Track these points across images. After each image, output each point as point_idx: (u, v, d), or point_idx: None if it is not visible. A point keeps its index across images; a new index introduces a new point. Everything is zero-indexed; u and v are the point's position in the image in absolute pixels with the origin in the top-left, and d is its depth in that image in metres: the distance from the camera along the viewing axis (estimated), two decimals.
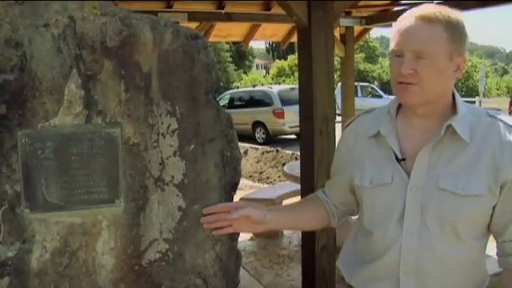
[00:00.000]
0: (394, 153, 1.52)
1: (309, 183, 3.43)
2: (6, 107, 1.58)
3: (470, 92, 34.15)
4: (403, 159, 1.51)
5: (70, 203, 1.68)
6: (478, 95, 25.60)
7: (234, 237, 1.87)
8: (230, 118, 1.85)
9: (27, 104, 1.61)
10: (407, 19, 1.44)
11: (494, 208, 1.47)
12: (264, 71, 56.74)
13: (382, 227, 1.54)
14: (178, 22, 5.69)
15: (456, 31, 1.43)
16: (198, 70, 1.77)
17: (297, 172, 3.99)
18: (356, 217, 1.81)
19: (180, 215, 1.79)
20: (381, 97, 23.57)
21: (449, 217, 1.45)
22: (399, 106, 1.59)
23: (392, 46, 1.47)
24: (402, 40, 1.43)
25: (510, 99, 21.70)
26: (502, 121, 1.47)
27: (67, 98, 1.65)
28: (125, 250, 1.74)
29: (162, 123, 1.74)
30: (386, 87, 35.79)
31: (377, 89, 26.33)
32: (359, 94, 21.67)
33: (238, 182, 1.87)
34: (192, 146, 1.78)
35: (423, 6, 1.46)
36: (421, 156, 1.48)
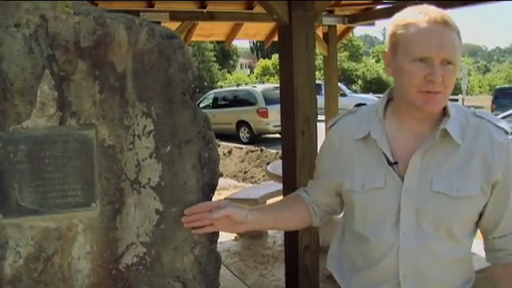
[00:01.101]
0: (386, 156, 1.51)
1: (291, 183, 3.42)
2: None
3: (454, 90, 34.33)
4: (395, 162, 1.50)
5: (45, 207, 1.64)
6: (461, 93, 25.80)
7: (213, 239, 1.85)
8: (207, 119, 1.82)
9: None
10: (426, 22, 1.39)
11: (484, 206, 1.49)
12: (248, 70, 56.70)
13: (376, 232, 1.53)
14: (159, 22, 5.66)
15: (461, 37, 1.44)
16: (174, 70, 1.74)
17: (280, 171, 3.97)
18: (339, 215, 1.79)
19: (157, 218, 1.75)
20: (345, 95, 23.55)
21: (444, 218, 1.46)
22: (385, 107, 1.57)
23: (416, 50, 1.39)
24: (432, 46, 1.38)
25: (492, 97, 21.91)
26: (490, 121, 1.49)
27: (40, 100, 1.61)
28: (101, 254, 1.71)
29: (138, 124, 1.71)
30: (371, 86, 36.03)
31: (342, 87, 26.28)
32: (322, 92, 21.68)
33: (217, 183, 1.84)
34: (168, 148, 1.75)
35: (429, 7, 1.43)
36: (414, 159, 1.47)
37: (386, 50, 1.53)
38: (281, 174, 3.86)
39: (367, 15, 7.34)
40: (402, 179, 1.49)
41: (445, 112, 1.49)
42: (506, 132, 1.48)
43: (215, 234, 1.85)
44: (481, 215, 1.52)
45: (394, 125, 1.54)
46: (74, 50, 1.64)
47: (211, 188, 1.83)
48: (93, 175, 1.67)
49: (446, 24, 1.39)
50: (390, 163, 1.50)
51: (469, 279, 1.59)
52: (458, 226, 1.48)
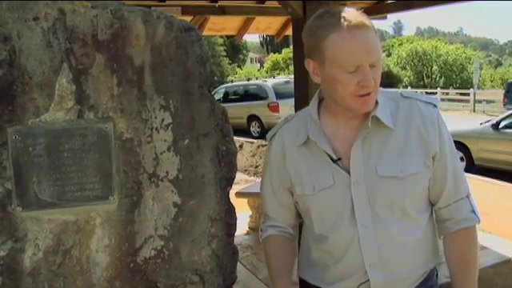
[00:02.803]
0: (329, 155, 1.52)
1: None
2: None
3: (465, 84, 34.19)
4: (339, 159, 1.53)
5: (63, 200, 1.64)
6: (473, 87, 25.62)
7: (230, 232, 1.85)
8: (225, 112, 1.82)
9: (17, 100, 1.57)
10: (347, 29, 1.42)
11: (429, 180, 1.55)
12: (258, 65, 56.68)
13: (335, 229, 1.55)
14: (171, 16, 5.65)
15: (376, 31, 1.49)
16: (192, 63, 1.74)
17: None
18: None
19: (175, 211, 1.75)
20: None
21: (396, 200, 1.51)
22: (318, 108, 1.60)
23: (347, 61, 1.42)
24: (360, 54, 1.42)
25: (503, 91, 21.75)
26: (417, 99, 1.57)
27: (58, 93, 1.61)
28: (119, 247, 1.71)
29: (156, 118, 1.71)
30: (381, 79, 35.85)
31: None
32: None
33: (234, 176, 1.84)
34: (186, 141, 1.75)
35: (348, 11, 1.47)
36: (354, 151, 1.51)
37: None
38: None
39: (380, 8, 7.28)
40: (349, 173, 1.52)
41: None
42: (435, 106, 1.56)
43: (232, 228, 1.85)
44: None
45: (331, 123, 1.58)
46: (92, 44, 1.64)
47: (229, 181, 1.82)
48: (111, 168, 1.68)
49: (364, 26, 1.43)
50: (333, 160, 1.52)
51: (430, 259, 1.62)
52: (411, 203, 1.52)
